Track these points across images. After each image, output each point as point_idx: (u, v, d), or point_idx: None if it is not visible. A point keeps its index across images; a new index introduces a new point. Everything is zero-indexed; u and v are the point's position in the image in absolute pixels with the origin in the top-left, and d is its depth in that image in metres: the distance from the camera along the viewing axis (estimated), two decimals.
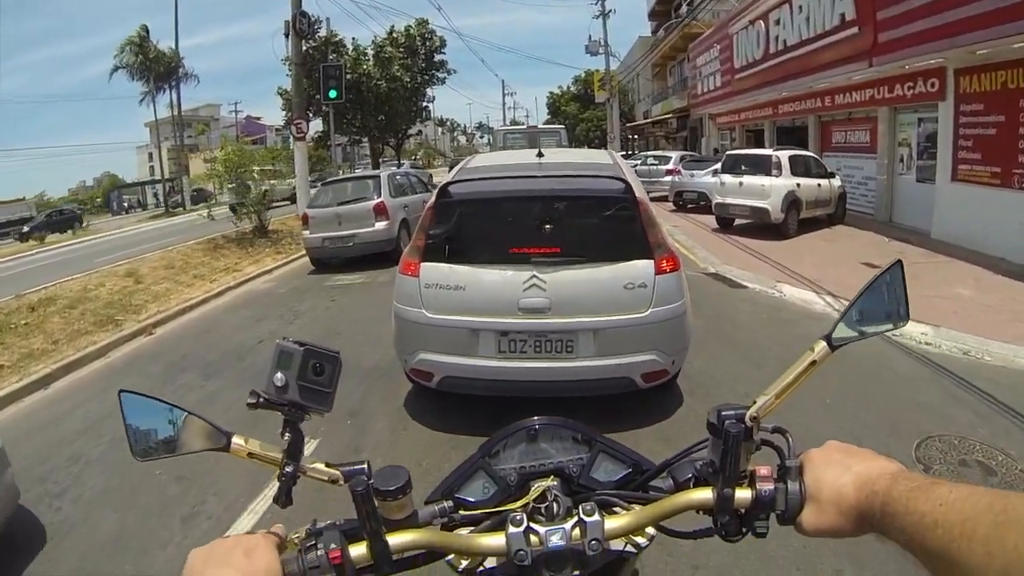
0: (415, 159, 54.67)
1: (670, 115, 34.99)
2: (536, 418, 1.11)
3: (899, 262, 0.96)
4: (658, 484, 1.03)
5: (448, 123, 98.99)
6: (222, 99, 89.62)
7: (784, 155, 12.58)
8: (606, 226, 4.49)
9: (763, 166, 12.53)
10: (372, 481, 0.89)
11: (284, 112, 23.59)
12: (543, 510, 0.96)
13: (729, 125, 25.38)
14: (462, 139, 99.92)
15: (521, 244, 4.25)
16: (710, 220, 14.78)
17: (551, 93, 64.99)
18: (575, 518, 0.91)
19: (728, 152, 13.80)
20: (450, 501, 1.02)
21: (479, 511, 1.02)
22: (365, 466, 0.92)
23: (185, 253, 14.06)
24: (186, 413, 0.91)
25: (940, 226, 11.23)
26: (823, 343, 0.92)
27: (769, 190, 12.17)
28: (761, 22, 18.41)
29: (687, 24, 27.84)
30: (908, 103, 12.59)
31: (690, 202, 17.24)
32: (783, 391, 0.91)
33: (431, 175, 23.90)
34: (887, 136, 13.77)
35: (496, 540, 0.90)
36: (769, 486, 0.86)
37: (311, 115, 23.16)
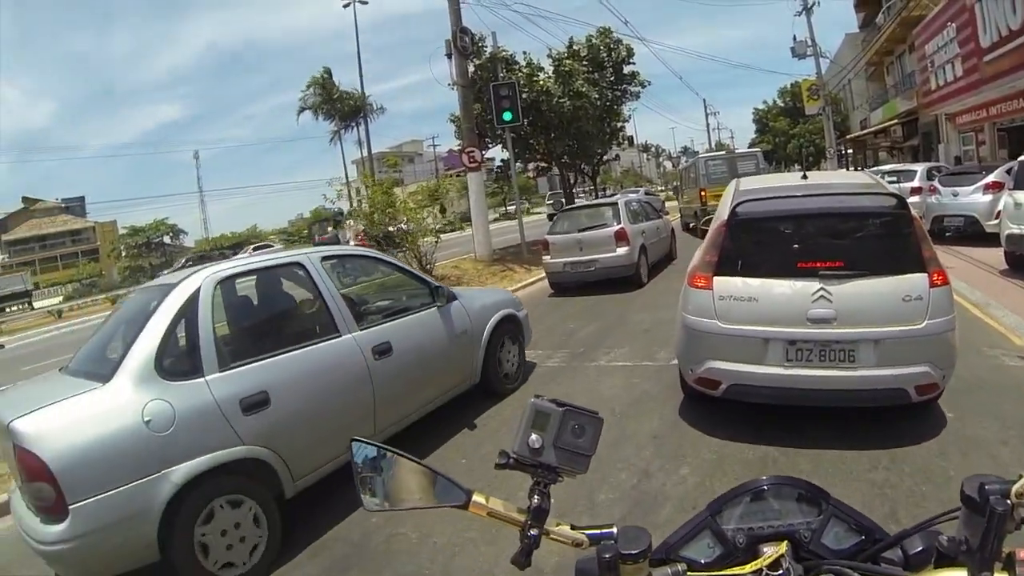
0: (617, 188, 52.16)
1: (894, 121, 29.38)
2: (766, 477, 1.08)
3: None
4: (889, 556, 0.97)
5: (653, 148, 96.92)
6: (426, 135, 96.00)
7: None
8: (884, 240, 4.58)
9: None
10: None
11: (457, 141, 20.52)
12: None
13: (975, 125, 19.96)
14: (668, 164, 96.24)
15: (808, 258, 4.40)
16: (988, 255, 10.58)
17: (756, 109, 60.30)
18: None
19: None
20: (683, 564, 0.98)
21: (708, 574, 0.98)
22: (613, 530, 0.94)
23: None
24: (422, 466, 0.95)
25: None
26: None
27: None
28: None
29: (907, 7, 22.97)
30: None
31: (952, 229, 12.69)
32: None
33: (664, 201, 22.30)
34: None
35: None
36: None
37: (489, 142, 20.74)
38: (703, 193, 18.99)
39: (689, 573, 0.96)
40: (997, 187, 11.63)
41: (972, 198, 12.14)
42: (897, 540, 0.96)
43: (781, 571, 0.92)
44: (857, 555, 0.98)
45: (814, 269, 4.31)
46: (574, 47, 21.08)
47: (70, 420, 3.14)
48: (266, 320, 4.59)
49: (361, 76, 41.52)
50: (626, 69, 22.09)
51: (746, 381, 4.43)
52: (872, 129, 33.41)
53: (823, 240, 4.55)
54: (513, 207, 26.71)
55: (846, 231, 4.59)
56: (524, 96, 17.47)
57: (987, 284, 8.85)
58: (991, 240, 11.76)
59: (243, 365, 3.77)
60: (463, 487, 0.94)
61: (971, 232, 12.12)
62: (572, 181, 25.64)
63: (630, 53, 22.01)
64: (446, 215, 18.69)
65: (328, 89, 42.79)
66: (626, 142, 30.36)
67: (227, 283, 4.12)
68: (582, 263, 11.74)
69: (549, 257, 12.21)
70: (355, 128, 44.80)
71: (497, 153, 24.43)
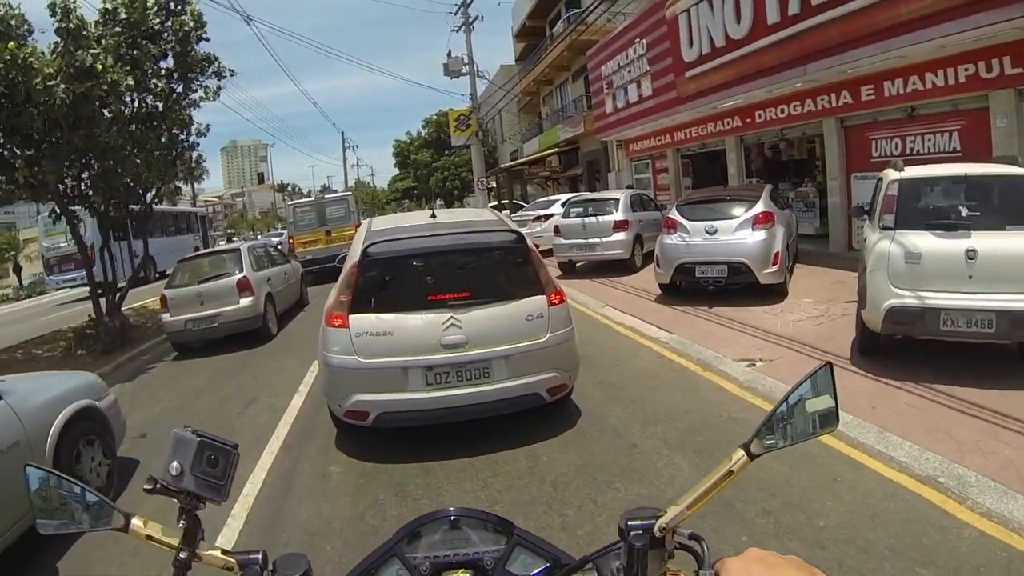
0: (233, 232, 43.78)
1: (553, 150, 28.09)
2: (452, 508, 1.09)
3: (828, 364, 0.88)
4: None
5: (289, 187, 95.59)
6: None
7: None
8: (506, 270, 5.18)
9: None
10: (269, 570, 0.94)
11: None
12: None
13: (654, 151, 18.58)
14: None
15: (438, 291, 4.83)
16: (766, 320, 7.41)
17: (397, 141, 56.83)
18: None
19: (907, 176, 5.71)
20: None
21: None
22: (260, 555, 0.95)
23: None
24: (89, 492, 0.95)
25: None
26: (741, 452, 0.86)
27: None
28: None
29: (578, 29, 21.05)
30: None
31: (711, 282, 8.86)
32: (696, 502, 0.85)
33: (292, 246, 19.34)
34: (1012, 137, 8.05)
35: None
36: None
37: None
38: (291, 240, 19.22)
39: None
40: (767, 219, 8.55)
41: (738, 236, 8.68)
42: (580, 564, 0.96)
43: None
44: None
45: (444, 300, 4.75)
46: (107, 4, 10.84)
47: None
48: None
49: None
50: (198, 50, 12.25)
51: (393, 408, 4.73)
52: (528, 158, 32.04)
53: (451, 273, 5.05)
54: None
55: (471, 264, 5.17)
56: None
57: (863, 399, 5.10)
58: (765, 294, 8.64)
59: None
60: (122, 511, 0.95)
61: (739, 285, 8.77)
62: (108, 228, 12.56)
63: (199, 23, 11.98)
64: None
65: None
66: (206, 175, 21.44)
67: None
68: (204, 319, 10.38)
69: (168, 315, 10.56)
70: None
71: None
